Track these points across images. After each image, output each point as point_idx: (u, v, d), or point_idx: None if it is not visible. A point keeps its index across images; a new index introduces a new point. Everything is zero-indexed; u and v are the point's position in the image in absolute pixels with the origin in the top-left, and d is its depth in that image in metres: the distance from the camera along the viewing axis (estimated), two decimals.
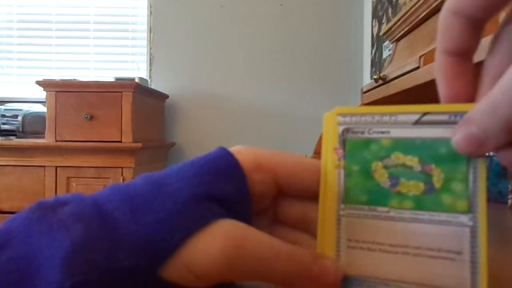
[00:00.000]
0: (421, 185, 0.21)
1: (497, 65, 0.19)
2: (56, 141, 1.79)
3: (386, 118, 0.22)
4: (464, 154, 0.20)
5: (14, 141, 1.85)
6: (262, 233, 0.21)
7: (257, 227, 0.23)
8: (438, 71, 0.21)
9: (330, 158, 0.23)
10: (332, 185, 0.22)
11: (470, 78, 0.21)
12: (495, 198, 0.78)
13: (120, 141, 1.78)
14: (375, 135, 0.22)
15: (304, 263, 0.21)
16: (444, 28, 0.21)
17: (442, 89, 0.21)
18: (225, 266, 0.20)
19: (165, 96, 2.25)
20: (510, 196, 0.75)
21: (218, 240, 0.20)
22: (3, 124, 2.00)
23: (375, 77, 0.99)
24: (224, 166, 0.23)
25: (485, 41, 0.21)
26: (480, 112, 0.18)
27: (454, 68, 0.21)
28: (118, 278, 0.19)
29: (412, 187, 0.21)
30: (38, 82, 1.81)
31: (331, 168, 0.23)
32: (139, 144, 1.76)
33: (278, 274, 0.20)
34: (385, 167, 0.21)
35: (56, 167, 1.79)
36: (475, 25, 0.20)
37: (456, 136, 0.20)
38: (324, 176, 0.23)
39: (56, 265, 0.18)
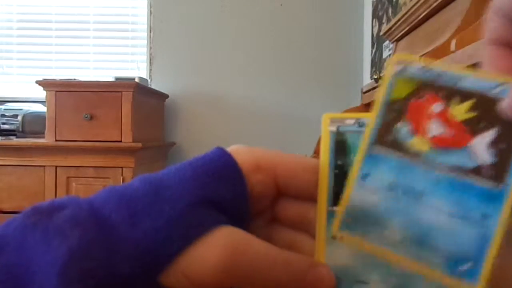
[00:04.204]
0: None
1: None
2: (56, 141, 1.78)
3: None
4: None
5: (14, 141, 1.85)
6: (260, 241, 0.21)
7: (255, 227, 0.23)
8: (487, 62, 0.22)
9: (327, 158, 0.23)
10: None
11: None
12: None
13: (120, 141, 1.78)
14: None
15: (299, 271, 0.21)
16: (488, 23, 0.22)
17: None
18: (223, 275, 0.20)
19: (165, 96, 2.25)
20: None
21: (217, 249, 0.20)
22: (3, 124, 2.00)
23: (375, 77, 0.99)
24: (222, 168, 0.22)
25: None
26: None
27: (503, 59, 0.22)
28: (116, 285, 0.19)
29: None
30: (38, 82, 1.80)
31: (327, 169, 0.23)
32: (139, 144, 1.76)
33: (275, 281, 0.20)
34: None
35: (56, 167, 1.79)
36: None
37: (505, 101, 0.19)
38: (322, 176, 0.23)
39: (53, 272, 0.18)
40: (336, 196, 0.22)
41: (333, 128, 0.23)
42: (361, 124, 0.22)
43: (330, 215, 0.22)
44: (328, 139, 0.23)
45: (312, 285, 0.21)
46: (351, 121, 0.22)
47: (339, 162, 0.22)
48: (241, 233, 0.21)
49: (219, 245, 0.20)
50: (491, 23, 0.22)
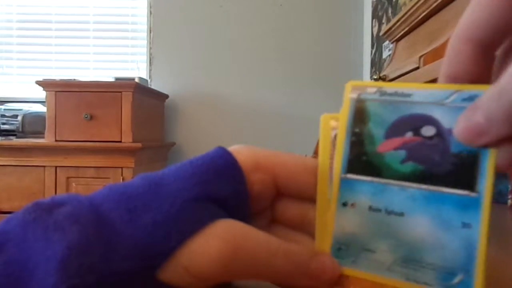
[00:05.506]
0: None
1: None
2: (56, 141, 1.78)
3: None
4: (465, 143, 0.19)
5: (14, 141, 1.85)
6: (260, 232, 0.21)
7: (254, 227, 0.23)
8: None
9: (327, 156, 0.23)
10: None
11: None
12: (495, 198, 0.78)
13: (120, 141, 1.78)
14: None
15: (302, 261, 0.21)
16: (453, 54, 0.20)
17: None
18: (224, 267, 0.20)
19: (165, 96, 2.25)
20: (510, 196, 0.75)
21: (216, 242, 0.20)
22: (3, 124, 2.00)
23: (375, 77, 0.99)
24: (222, 166, 0.22)
25: None
26: (486, 98, 0.18)
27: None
28: (115, 281, 0.19)
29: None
30: (38, 82, 1.80)
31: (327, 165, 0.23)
32: (139, 144, 1.76)
33: (276, 272, 0.20)
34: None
35: (56, 167, 1.79)
36: (484, 52, 0.20)
37: (458, 125, 0.19)
38: (322, 172, 0.23)
39: (52, 267, 0.18)
40: (350, 164, 0.22)
41: (354, 95, 0.22)
42: (382, 93, 0.22)
43: (343, 182, 0.22)
44: (348, 107, 0.22)
45: (316, 275, 0.21)
46: (373, 89, 0.22)
47: (356, 130, 0.22)
48: (241, 225, 0.21)
49: (219, 237, 0.20)
50: (454, 54, 0.20)
